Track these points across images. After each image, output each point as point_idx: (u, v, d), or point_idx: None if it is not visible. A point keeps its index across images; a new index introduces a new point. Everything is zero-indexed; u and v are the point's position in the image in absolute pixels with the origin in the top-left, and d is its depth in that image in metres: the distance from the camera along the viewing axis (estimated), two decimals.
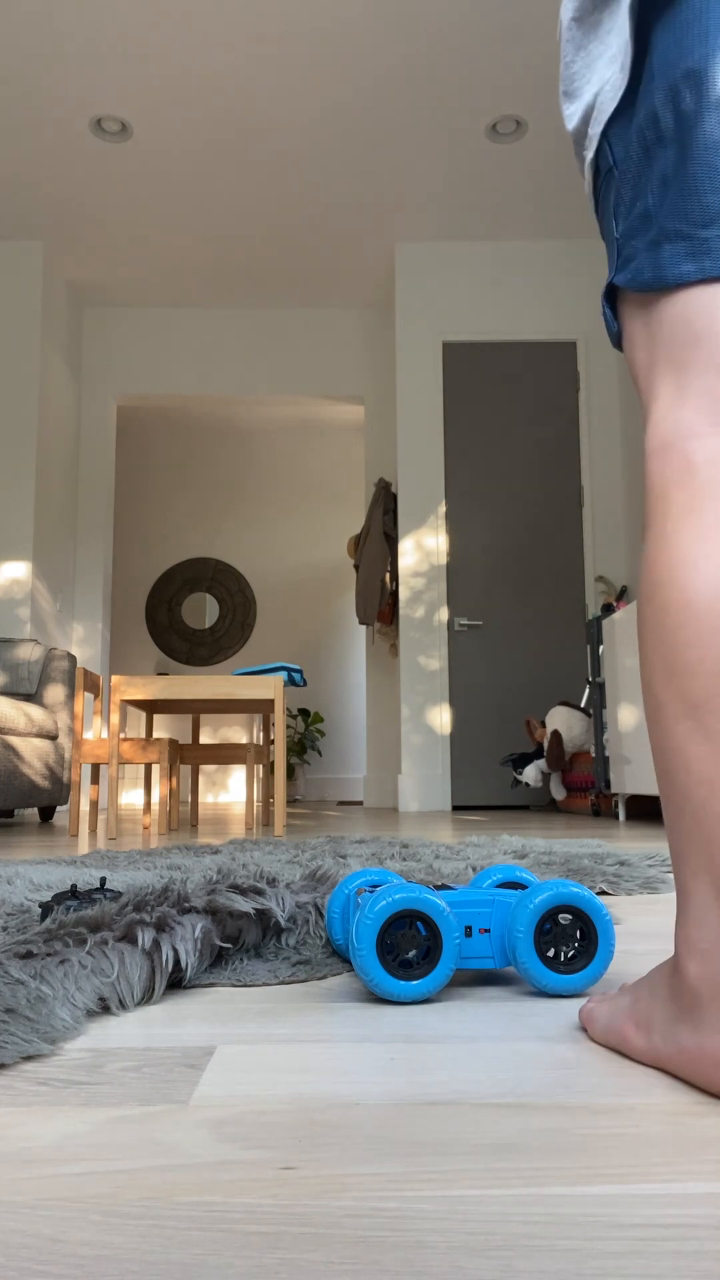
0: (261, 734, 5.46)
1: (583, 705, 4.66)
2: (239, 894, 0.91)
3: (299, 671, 3.43)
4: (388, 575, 5.56)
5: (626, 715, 3.69)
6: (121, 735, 3.18)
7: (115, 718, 3.01)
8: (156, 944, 0.78)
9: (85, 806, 5.42)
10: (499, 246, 5.48)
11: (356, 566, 5.95)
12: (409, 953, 0.74)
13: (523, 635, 5.19)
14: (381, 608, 5.59)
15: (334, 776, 8.02)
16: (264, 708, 3.36)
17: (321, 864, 1.30)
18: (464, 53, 4.04)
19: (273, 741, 4.69)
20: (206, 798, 7.83)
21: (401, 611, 5.21)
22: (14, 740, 3.75)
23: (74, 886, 0.99)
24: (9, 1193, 0.42)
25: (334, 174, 4.83)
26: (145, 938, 0.78)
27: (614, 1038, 0.61)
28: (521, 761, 4.76)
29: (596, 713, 4.16)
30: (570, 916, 0.76)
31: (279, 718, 3.15)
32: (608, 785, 4.04)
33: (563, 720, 4.54)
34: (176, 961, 0.79)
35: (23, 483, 5.18)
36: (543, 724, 4.71)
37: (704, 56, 0.66)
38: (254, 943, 0.90)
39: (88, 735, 5.77)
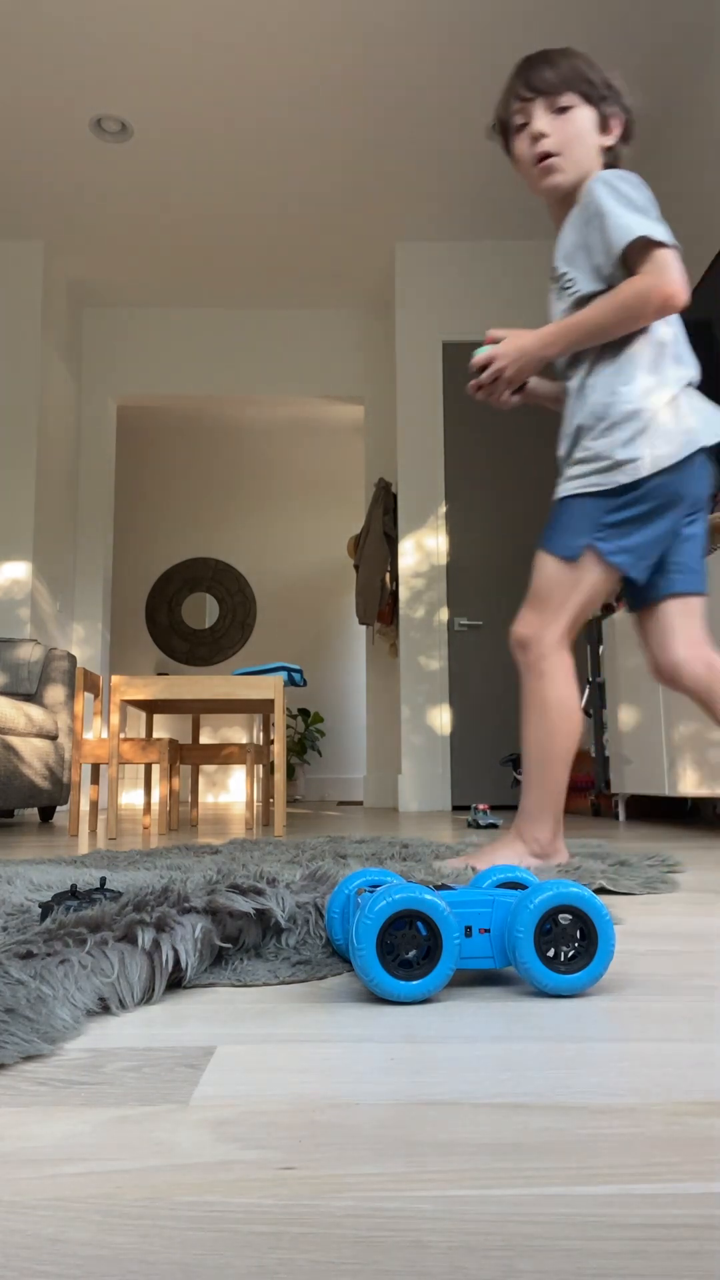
0: (261, 734, 5.46)
1: (583, 705, 4.66)
2: (239, 894, 0.91)
3: (299, 671, 3.43)
4: (388, 575, 5.56)
5: (626, 715, 3.69)
6: (121, 735, 3.18)
7: (115, 718, 3.01)
8: (156, 944, 0.78)
9: (85, 806, 5.42)
10: (499, 246, 5.48)
11: (356, 566, 5.95)
12: (409, 953, 0.74)
13: None
14: (381, 608, 5.59)
15: (334, 776, 8.02)
16: (264, 708, 3.36)
17: (321, 864, 1.30)
18: (464, 53, 4.04)
19: (273, 741, 4.69)
20: (206, 798, 7.83)
21: (401, 612, 5.21)
22: (14, 740, 3.75)
23: (74, 886, 0.99)
24: (9, 1193, 0.42)
25: (334, 174, 4.83)
26: (145, 938, 0.78)
27: None
28: (521, 761, 4.76)
29: (596, 713, 4.16)
30: (570, 916, 0.76)
31: (279, 718, 3.15)
32: (608, 785, 4.04)
33: None
34: (176, 961, 0.79)
35: (23, 483, 5.18)
36: None
37: None
38: (254, 943, 0.90)
39: (88, 735, 5.77)
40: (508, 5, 3.79)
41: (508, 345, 1.58)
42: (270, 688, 3.06)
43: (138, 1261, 0.36)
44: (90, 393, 6.05)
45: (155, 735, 7.14)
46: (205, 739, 7.94)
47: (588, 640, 4.45)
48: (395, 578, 5.52)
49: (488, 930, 0.79)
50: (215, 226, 5.27)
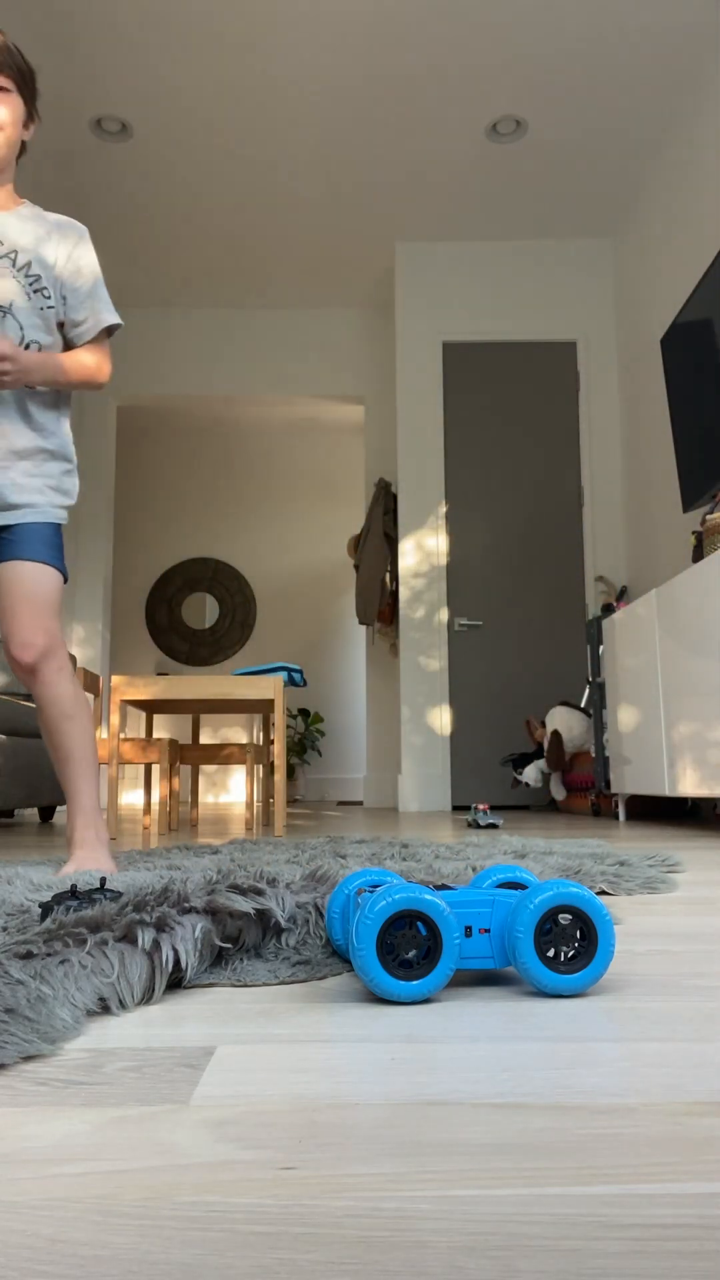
0: (261, 734, 5.46)
1: (583, 705, 4.66)
2: (239, 894, 0.91)
3: (299, 671, 3.43)
4: (388, 575, 5.56)
5: (626, 715, 3.69)
6: (122, 735, 3.18)
7: (115, 718, 3.01)
8: (156, 944, 0.78)
9: None
10: (499, 246, 5.48)
11: (356, 566, 5.95)
12: (409, 953, 0.74)
13: (523, 635, 5.19)
14: (381, 608, 5.59)
15: (334, 776, 8.02)
16: (264, 708, 3.36)
17: (321, 864, 1.30)
18: (464, 53, 4.04)
19: (273, 741, 4.69)
20: (206, 798, 7.83)
21: (401, 612, 5.21)
22: (14, 740, 3.74)
23: (74, 886, 0.99)
24: (9, 1193, 0.42)
25: (334, 174, 4.83)
26: (145, 938, 0.78)
27: None
28: (521, 761, 4.76)
29: (596, 713, 4.16)
30: (570, 917, 0.76)
31: (279, 718, 3.15)
32: (608, 785, 4.04)
33: (563, 720, 4.54)
34: (176, 961, 0.79)
35: None
36: (543, 724, 4.71)
37: None
38: (254, 943, 0.90)
39: None
40: (508, 6, 3.79)
41: (19, 353, 1.51)
42: (270, 688, 3.06)
43: (138, 1261, 0.36)
44: (90, 393, 6.04)
45: (155, 735, 7.14)
46: (205, 739, 7.94)
47: (588, 640, 4.45)
48: (395, 578, 5.52)
49: (488, 930, 0.79)
50: (215, 227, 5.27)
